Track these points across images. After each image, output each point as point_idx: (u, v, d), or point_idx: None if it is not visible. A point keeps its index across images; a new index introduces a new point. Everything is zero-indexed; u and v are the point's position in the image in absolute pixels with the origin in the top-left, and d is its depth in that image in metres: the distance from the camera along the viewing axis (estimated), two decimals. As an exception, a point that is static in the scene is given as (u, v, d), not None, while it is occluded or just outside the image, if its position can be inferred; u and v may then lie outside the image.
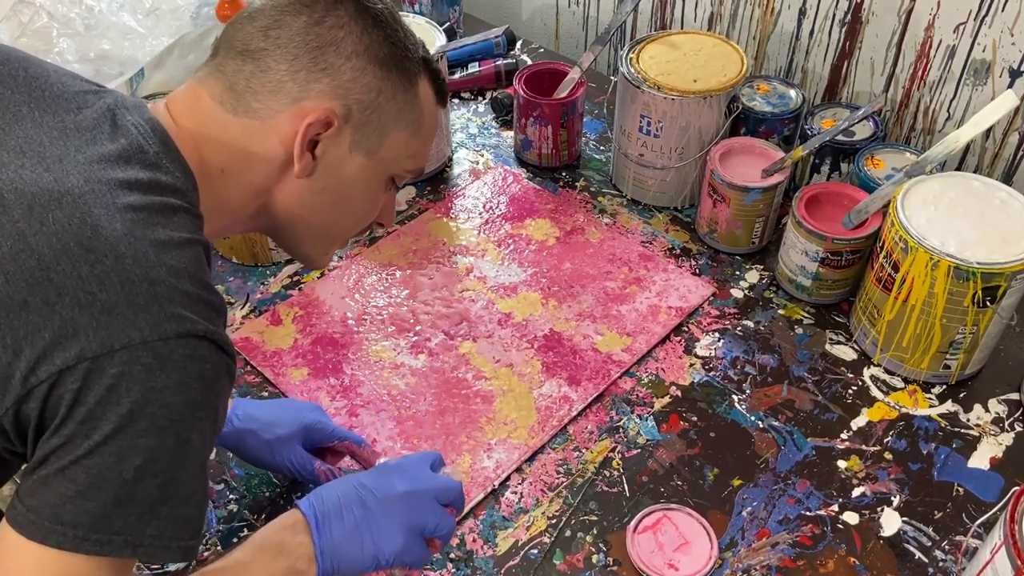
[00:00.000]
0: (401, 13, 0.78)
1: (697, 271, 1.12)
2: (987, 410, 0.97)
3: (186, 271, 0.59)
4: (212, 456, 0.92)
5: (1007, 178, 1.17)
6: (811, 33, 1.25)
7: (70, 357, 0.54)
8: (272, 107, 0.67)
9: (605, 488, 0.90)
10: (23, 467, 0.61)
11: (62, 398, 0.54)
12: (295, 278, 1.11)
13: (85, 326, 0.54)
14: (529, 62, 1.41)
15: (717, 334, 1.05)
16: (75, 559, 0.56)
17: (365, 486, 0.73)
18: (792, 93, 1.19)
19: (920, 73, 1.18)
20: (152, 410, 0.55)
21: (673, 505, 0.87)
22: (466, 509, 0.87)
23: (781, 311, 1.07)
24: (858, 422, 0.96)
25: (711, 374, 1.00)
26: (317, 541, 0.69)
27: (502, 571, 0.83)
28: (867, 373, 1.01)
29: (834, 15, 1.21)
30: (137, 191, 0.60)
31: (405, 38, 0.71)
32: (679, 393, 0.98)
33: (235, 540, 0.85)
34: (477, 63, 1.42)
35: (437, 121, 0.78)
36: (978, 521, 0.87)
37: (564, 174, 1.27)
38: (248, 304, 1.08)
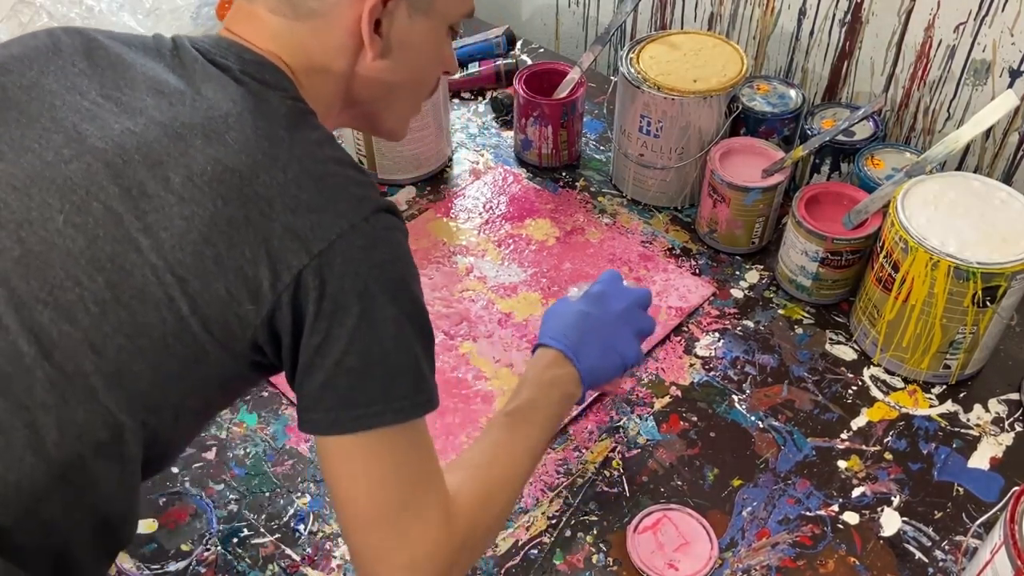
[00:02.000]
0: None
1: (697, 271, 1.12)
2: (987, 410, 0.97)
3: (344, 159, 0.65)
4: (212, 458, 0.92)
5: (1007, 178, 1.17)
6: (811, 33, 1.25)
7: (303, 257, 0.59)
8: (329, 1, 0.68)
9: (605, 488, 0.90)
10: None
11: (308, 296, 0.59)
12: (295, 278, 1.11)
13: (302, 226, 0.59)
14: (529, 62, 1.41)
15: (717, 334, 1.05)
16: (386, 433, 0.62)
17: (591, 315, 0.84)
18: (792, 93, 1.19)
19: (920, 73, 1.18)
20: (382, 283, 0.61)
21: (673, 505, 0.87)
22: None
23: (781, 311, 1.07)
24: (858, 422, 0.96)
25: (711, 374, 1.00)
26: (579, 366, 0.81)
27: (502, 571, 0.83)
28: (867, 373, 1.01)
29: (834, 15, 1.21)
30: (274, 103, 0.65)
31: None
32: (679, 393, 0.98)
33: (235, 540, 0.85)
34: (477, 63, 1.42)
35: None
36: (978, 521, 0.87)
37: (564, 174, 1.27)
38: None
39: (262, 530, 0.86)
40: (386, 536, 0.64)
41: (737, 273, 1.12)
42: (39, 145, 0.61)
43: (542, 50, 1.50)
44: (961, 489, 0.90)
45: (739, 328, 1.05)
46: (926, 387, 0.99)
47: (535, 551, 0.85)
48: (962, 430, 0.95)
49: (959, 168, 1.21)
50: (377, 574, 0.65)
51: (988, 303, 0.90)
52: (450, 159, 1.30)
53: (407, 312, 0.63)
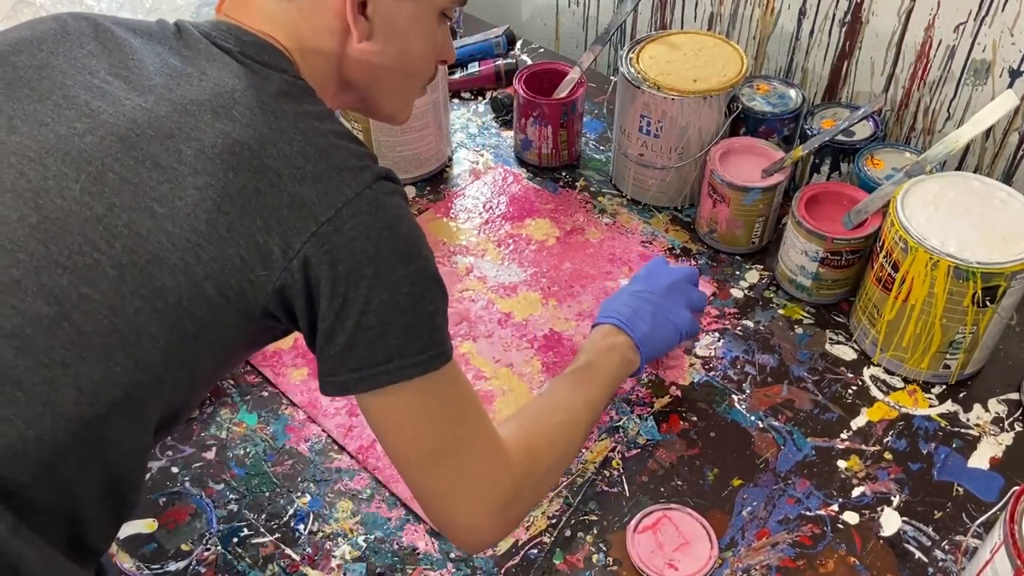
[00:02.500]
0: None
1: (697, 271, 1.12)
2: (987, 410, 0.97)
3: (343, 132, 0.68)
4: (212, 458, 0.92)
5: (1007, 178, 1.17)
6: (811, 33, 1.25)
7: (311, 224, 0.62)
8: None
9: (605, 488, 0.90)
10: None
11: (320, 262, 0.62)
12: (295, 278, 1.11)
13: (309, 195, 0.62)
14: (529, 62, 1.41)
15: (717, 334, 1.05)
16: (412, 385, 0.65)
17: (641, 291, 0.93)
18: (792, 93, 1.19)
19: (920, 73, 1.18)
20: (391, 245, 0.63)
21: (673, 505, 0.87)
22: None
23: (781, 311, 1.07)
24: (858, 422, 0.96)
25: (711, 374, 1.00)
26: (634, 335, 0.89)
27: (502, 571, 0.83)
28: (867, 373, 1.01)
29: (834, 15, 1.21)
30: (275, 80, 0.67)
31: None
32: (679, 393, 0.98)
33: (235, 540, 0.85)
34: (477, 63, 1.42)
35: None
36: (978, 521, 0.87)
37: (564, 174, 1.27)
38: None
39: (262, 530, 0.86)
40: (440, 477, 0.68)
41: (737, 273, 1.12)
42: (52, 120, 0.63)
43: (542, 50, 1.50)
44: (961, 489, 0.90)
45: (739, 328, 1.05)
46: (926, 387, 0.99)
47: (535, 551, 0.85)
48: (962, 430, 0.95)
49: (959, 168, 1.21)
50: (439, 514, 0.71)
51: (988, 303, 0.90)
52: (450, 159, 1.30)
53: (417, 269, 0.65)
